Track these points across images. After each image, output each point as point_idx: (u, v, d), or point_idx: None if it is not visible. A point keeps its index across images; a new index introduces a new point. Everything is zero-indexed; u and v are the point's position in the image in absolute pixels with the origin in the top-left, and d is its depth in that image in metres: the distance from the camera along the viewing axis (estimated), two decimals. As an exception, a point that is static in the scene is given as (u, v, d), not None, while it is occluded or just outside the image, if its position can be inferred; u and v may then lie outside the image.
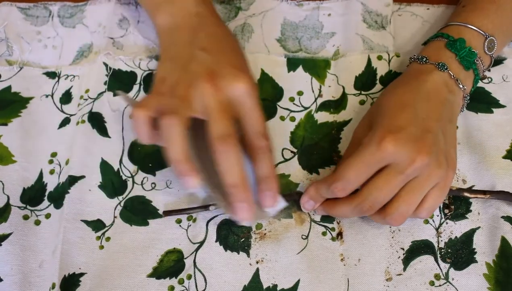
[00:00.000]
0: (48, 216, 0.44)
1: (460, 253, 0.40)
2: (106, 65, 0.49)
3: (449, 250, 0.40)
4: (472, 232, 0.41)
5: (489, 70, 0.47)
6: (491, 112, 0.45)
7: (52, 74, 0.50)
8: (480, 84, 0.47)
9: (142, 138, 0.38)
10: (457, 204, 0.42)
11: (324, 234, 0.41)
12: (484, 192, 0.41)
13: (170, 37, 0.43)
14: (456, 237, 0.41)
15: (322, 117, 0.46)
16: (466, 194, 0.41)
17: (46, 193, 0.45)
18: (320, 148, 0.45)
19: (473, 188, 0.42)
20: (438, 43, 0.43)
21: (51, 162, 0.46)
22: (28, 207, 0.44)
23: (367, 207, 0.37)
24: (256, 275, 0.40)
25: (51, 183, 0.45)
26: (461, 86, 0.41)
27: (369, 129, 0.39)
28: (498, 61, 0.48)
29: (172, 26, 0.43)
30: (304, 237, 0.41)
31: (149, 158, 0.45)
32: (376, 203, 0.37)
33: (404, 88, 0.41)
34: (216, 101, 0.36)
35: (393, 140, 0.35)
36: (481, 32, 0.42)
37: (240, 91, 0.37)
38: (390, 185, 0.36)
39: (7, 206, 0.44)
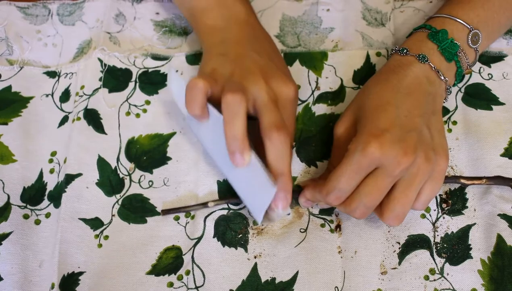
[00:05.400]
0: (48, 215, 0.49)
1: (455, 249, 0.45)
2: (101, 61, 0.54)
3: (445, 245, 0.45)
4: (468, 228, 0.45)
5: (489, 67, 0.52)
6: (491, 109, 0.50)
7: (52, 74, 0.55)
8: (480, 80, 0.51)
9: (194, 108, 0.42)
10: (454, 200, 0.47)
11: (322, 226, 0.46)
12: (480, 178, 0.46)
13: (219, 35, 0.48)
14: (452, 232, 0.45)
15: (320, 109, 0.52)
16: (463, 181, 0.46)
17: (46, 192, 0.50)
18: (318, 140, 0.50)
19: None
20: (420, 34, 0.47)
21: (51, 161, 0.51)
22: (28, 206, 0.49)
23: (359, 213, 0.42)
24: (254, 269, 0.45)
25: (51, 182, 0.50)
26: (442, 77, 0.45)
27: (352, 129, 0.44)
28: (498, 58, 0.52)
29: (222, 27, 0.48)
30: (302, 230, 0.46)
31: (146, 156, 0.50)
32: (368, 208, 0.41)
33: (384, 85, 0.44)
34: (270, 95, 0.42)
35: (377, 145, 0.39)
36: (466, 24, 0.46)
37: (286, 95, 0.44)
38: (379, 189, 0.40)
39: (8, 205, 0.49)
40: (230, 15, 0.49)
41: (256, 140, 0.43)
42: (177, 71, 0.54)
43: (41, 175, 0.50)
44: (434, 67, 0.45)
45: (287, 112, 0.44)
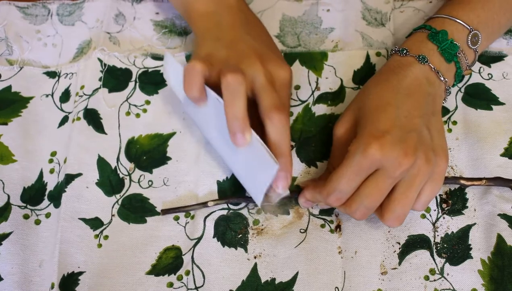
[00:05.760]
0: (48, 215, 0.49)
1: (456, 249, 0.45)
2: (100, 61, 0.55)
3: (445, 245, 0.45)
4: (468, 228, 0.46)
5: (489, 67, 0.52)
6: (491, 109, 0.50)
7: (52, 74, 0.56)
8: (480, 80, 0.52)
9: (193, 90, 0.42)
10: (454, 200, 0.47)
11: (323, 226, 0.47)
12: (480, 179, 0.46)
13: (212, 20, 0.48)
14: (452, 232, 0.46)
15: (320, 109, 0.52)
16: (463, 182, 0.46)
17: (46, 192, 0.50)
18: (318, 140, 0.50)
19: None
20: (420, 35, 0.47)
21: (51, 161, 0.51)
22: (28, 206, 0.49)
23: (360, 215, 0.42)
24: (254, 269, 0.45)
25: (51, 182, 0.50)
26: (442, 78, 0.45)
27: (352, 129, 0.44)
28: (498, 58, 0.53)
29: (214, 12, 0.48)
30: (302, 230, 0.47)
31: (146, 155, 0.51)
32: (369, 209, 0.42)
33: (384, 86, 0.44)
34: (267, 77, 0.43)
35: (378, 146, 0.39)
36: (466, 25, 0.46)
37: (283, 78, 0.44)
38: (380, 190, 0.41)
39: (8, 205, 0.49)
40: (221, 0, 0.49)
41: (251, 123, 0.43)
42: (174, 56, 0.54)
43: (41, 175, 0.51)
44: (434, 68, 0.45)
45: (283, 95, 0.45)
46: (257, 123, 0.43)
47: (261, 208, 0.47)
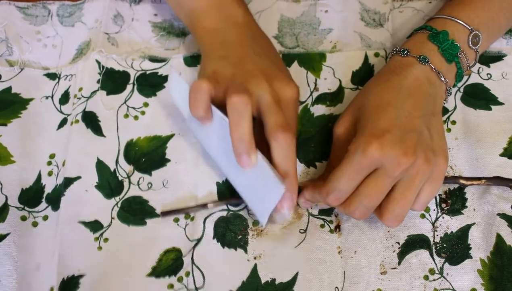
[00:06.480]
0: (45, 218, 0.49)
1: (455, 248, 0.45)
2: (98, 63, 0.55)
3: (444, 245, 0.46)
4: (468, 227, 0.46)
5: (488, 67, 0.52)
6: (490, 109, 0.51)
7: (52, 76, 0.56)
8: (479, 80, 0.52)
9: (199, 110, 0.42)
10: (453, 200, 0.47)
11: (322, 226, 0.47)
12: (479, 178, 0.47)
13: (219, 37, 0.48)
14: (452, 232, 0.46)
15: (319, 110, 0.52)
16: (462, 181, 0.47)
17: (44, 195, 0.50)
18: (317, 141, 0.51)
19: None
20: (421, 35, 0.47)
21: (49, 163, 0.52)
22: (26, 208, 0.50)
23: (359, 214, 0.42)
24: (254, 270, 0.46)
25: (49, 185, 0.51)
26: (443, 79, 0.45)
27: (352, 129, 0.45)
28: (498, 58, 0.53)
29: (221, 29, 0.49)
30: (302, 231, 0.47)
31: (145, 158, 0.51)
32: (368, 209, 0.42)
33: (385, 86, 0.45)
34: (273, 96, 0.43)
35: (378, 146, 0.40)
36: (466, 26, 0.46)
37: (289, 96, 0.45)
38: (379, 190, 0.41)
39: (5, 206, 0.50)
40: (228, 17, 0.49)
41: (257, 142, 0.44)
42: (180, 74, 0.54)
43: (39, 177, 0.51)
44: (434, 69, 0.45)
45: (290, 113, 0.45)
46: (265, 142, 0.43)
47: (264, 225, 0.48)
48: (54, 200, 0.50)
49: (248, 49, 0.47)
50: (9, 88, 0.56)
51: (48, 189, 0.51)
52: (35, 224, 0.49)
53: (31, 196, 0.50)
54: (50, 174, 0.51)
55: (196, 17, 0.50)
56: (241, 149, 0.41)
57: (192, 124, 0.48)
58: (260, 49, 0.48)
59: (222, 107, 0.42)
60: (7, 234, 0.49)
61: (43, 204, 0.50)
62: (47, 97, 0.55)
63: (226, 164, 0.46)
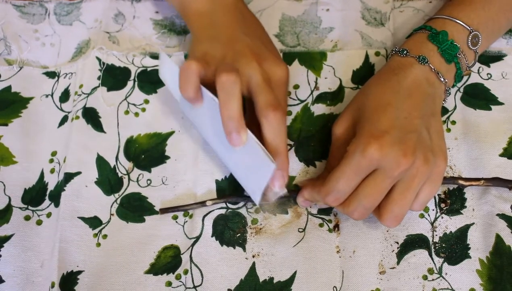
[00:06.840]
0: (49, 215, 0.49)
1: (454, 248, 0.46)
2: (99, 60, 0.55)
3: (443, 245, 0.46)
4: (467, 227, 0.46)
5: (488, 66, 0.53)
6: (490, 109, 0.51)
7: (51, 74, 0.56)
8: (479, 80, 0.52)
9: (188, 91, 0.42)
10: (452, 199, 0.48)
11: (321, 225, 0.47)
12: (478, 179, 0.47)
13: (208, 19, 0.49)
14: (451, 232, 0.46)
15: (319, 109, 0.53)
16: (461, 182, 0.47)
17: (47, 192, 0.50)
18: (317, 140, 0.51)
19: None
20: (420, 35, 0.47)
21: (51, 161, 0.52)
22: (29, 207, 0.50)
23: (358, 215, 0.43)
24: (253, 269, 0.46)
25: (51, 182, 0.51)
26: (442, 79, 0.46)
27: (351, 129, 0.45)
28: (498, 58, 0.53)
29: (211, 10, 0.49)
30: (301, 230, 0.47)
31: (144, 154, 0.51)
32: (367, 209, 0.42)
33: (384, 86, 0.45)
34: (263, 76, 0.43)
35: (377, 146, 0.40)
36: (466, 26, 0.47)
37: (279, 76, 0.45)
38: (379, 190, 0.41)
39: (9, 207, 0.50)
40: None
41: (247, 123, 0.44)
42: (170, 56, 0.54)
43: (42, 175, 0.51)
44: (434, 69, 0.45)
45: (280, 93, 0.45)
46: (256, 122, 0.43)
47: (259, 206, 0.48)
48: (56, 197, 0.50)
49: (238, 30, 0.47)
50: (9, 87, 0.56)
51: (51, 186, 0.51)
52: (39, 222, 0.50)
53: (35, 195, 0.51)
54: (52, 171, 0.52)
55: (187, 0, 0.51)
56: (231, 127, 0.41)
57: (185, 106, 0.48)
58: (250, 30, 0.48)
59: (213, 89, 0.42)
60: (12, 235, 0.49)
61: (47, 202, 0.50)
62: (47, 96, 0.55)
63: (218, 145, 0.46)
